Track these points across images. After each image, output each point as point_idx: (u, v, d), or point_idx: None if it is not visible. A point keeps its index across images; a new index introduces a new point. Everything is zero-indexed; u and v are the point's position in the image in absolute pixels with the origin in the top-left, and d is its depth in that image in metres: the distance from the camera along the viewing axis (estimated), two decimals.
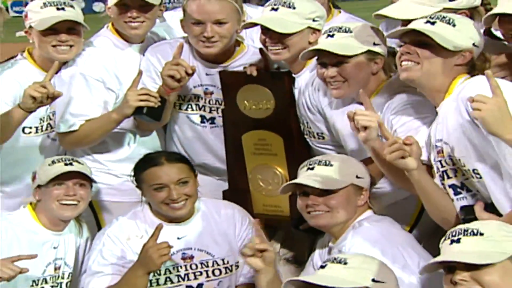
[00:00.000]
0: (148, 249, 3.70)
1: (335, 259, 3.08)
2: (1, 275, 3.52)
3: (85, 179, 3.97)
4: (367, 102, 3.43)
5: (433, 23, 3.17)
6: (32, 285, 3.91)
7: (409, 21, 3.43)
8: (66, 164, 3.93)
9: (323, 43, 3.61)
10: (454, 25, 3.17)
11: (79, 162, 4.05)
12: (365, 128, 3.27)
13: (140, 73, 4.16)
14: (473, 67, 3.21)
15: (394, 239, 3.51)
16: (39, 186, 3.95)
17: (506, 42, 3.56)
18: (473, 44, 3.17)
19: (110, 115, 4.14)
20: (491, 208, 3.10)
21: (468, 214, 3.14)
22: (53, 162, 3.98)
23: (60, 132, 4.23)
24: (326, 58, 3.59)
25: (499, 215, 3.07)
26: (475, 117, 2.86)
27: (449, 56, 3.15)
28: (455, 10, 3.50)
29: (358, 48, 3.54)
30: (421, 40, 3.16)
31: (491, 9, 3.60)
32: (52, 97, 3.83)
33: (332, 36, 3.57)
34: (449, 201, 3.30)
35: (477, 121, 2.89)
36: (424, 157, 3.36)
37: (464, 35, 3.18)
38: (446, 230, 3.17)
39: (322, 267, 3.11)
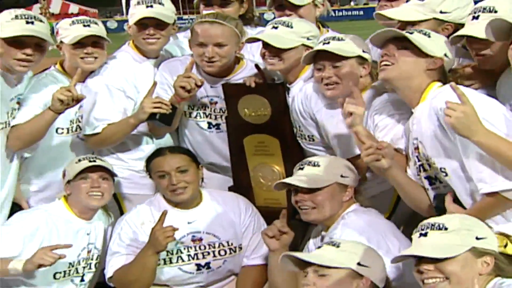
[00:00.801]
0: (155, 232, 3.95)
1: (331, 242, 3.36)
2: (43, 262, 3.71)
3: (107, 174, 4.22)
4: (357, 93, 3.57)
5: (411, 33, 3.41)
6: (69, 267, 4.10)
7: (405, 24, 3.75)
8: (90, 161, 4.18)
9: (322, 48, 3.82)
10: (429, 36, 3.41)
11: (102, 160, 4.31)
12: (351, 114, 3.49)
13: (154, 84, 4.38)
14: (445, 78, 3.42)
15: (379, 228, 3.71)
16: (68, 182, 4.18)
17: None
18: (444, 55, 3.41)
19: (128, 120, 4.38)
20: (459, 200, 3.30)
21: (439, 203, 3.33)
22: (79, 160, 4.23)
23: (86, 134, 4.48)
24: (324, 60, 3.80)
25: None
26: (447, 123, 3.05)
27: (421, 58, 3.33)
28: (443, 22, 3.80)
29: (351, 52, 3.80)
30: (399, 45, 3.36)
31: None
32: (76, 100, 4.07)
33: (328, 43, 3.81)
34: (421, 191, 3.52)
35: (448, 126, 3.07)
36: (401, 146, 3.59)
37: (436, 45, 3.42)
38: (420, 215, 3.39)
39: (319, 247, 3.36)
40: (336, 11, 45.98)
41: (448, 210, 3.28)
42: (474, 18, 3.51)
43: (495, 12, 3.42)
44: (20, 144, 4.29)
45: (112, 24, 38.85)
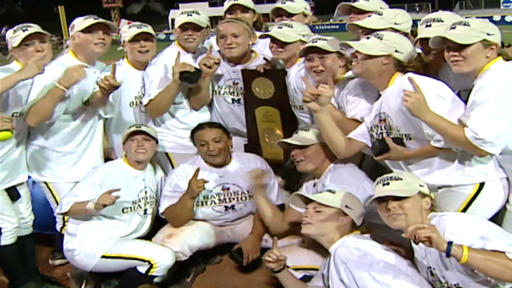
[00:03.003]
0: (191, 183, 4.36)
1: (329, 190, 3.82)
2: (105, 202, 4.08)
3: (149, 136, 4.51)
4: (330, 81, 3.92)
5: (368, 38, 3.73)
6: (133, 204, 4.50)
7: (371, 30, 4.01)
8: (136, 127, 4.53)
9: (312, 44, 4.19)
10: (381, 39, 3.69)
11: (146, 126, 4.61)
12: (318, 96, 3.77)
13: (178, 54, 4.69)
14: (403, 67, 3.69)
15: (357, 175, 4.14)
16: (123, 143, 4.54)
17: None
18: (395, 51, 3.66)
19: (169, 85, 4.67)
20: (398, 141, 3.68)
21: (381, 144, 3.70)
22: (129, 127, 4.58)
23: (145, 105, 4.83)
24: (313, 54, 4.18)
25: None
26: (404, 106, 3.38)
27: (375, 58, 3.68)
28: (397, 30, 4.18)
29: (333, 48, 4.15)
30: (357, 51, 3.71)
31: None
32: (114, 87, 4.41)
33: (316, 42, 4.16)
34: (341, 137, 3.92)
35: (405, 106, 3.37)
36: (360, 116, 4.01)
37: (387, 45, 3.68)
38: (381, 168, 3.89)
39: (320, 192, 3.85)
40: (319, 25, 52.39)
41: (393, 148, 3.66)
42: (427, 26, 3.86)
43: (442, 21, 3.81)
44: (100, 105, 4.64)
45: (162, 36, 42.90)
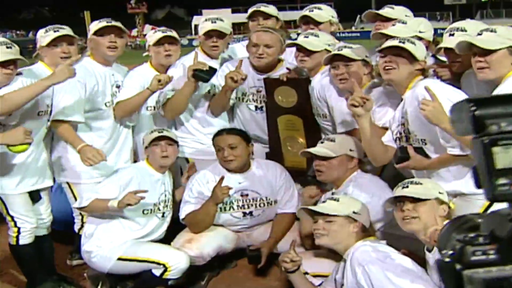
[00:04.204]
0: (216, 190, 4.34)
1: (332, 198, 3.81)
2: (129, 202, 4.09)
3: (171, 141, 4.53)
4: (357, 88, 3.83)
5: (403, 42, 3.68)
6: (153, 206, 4.50)
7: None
8: (159, 132, 4.53)
9: (337, 52, 4.19)
10: (415, 44, 3.68)
11: (168, 131, 4.63)
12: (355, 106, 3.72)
13: (196, 54, 4.74)
14: (424, 70, 3.74)
15: (380, 185, 4.13)
16: (146, 147, 4.55)
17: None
18: (425, 57, 3.71)
19: (184, 84, 4.67)
20: (419, 150, 3.66)
21: (402, 153, 3.67)
22: (152, 132, 4.57)
23: (162, 105, 4.80)
24: (339, 61, 4.18)
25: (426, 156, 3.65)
26: (422, 114, 3.38)
27: (414, 63, 3.67)
28: (421, 38, 4.19)
29: (358, 56, 4.14)
30: (397, 52, 3.65)
31: (438, 43, 4.17)
32: (168, 81, 4.54)
33: (341, 50, 4.17)
34: (380, 145, 3.84)
35: (423, 115, 3.37)
36: (387, 124, 3.99)
37: (421, 51, 3.69)
38: (400, 176, 3.81)
39: (323, 202, 3.76)
40: (340, 33, 52.49)
41: (413, 157, 3.62)
42: (450, 35, 3.91)
43: (465, 31, 3.85)
44: (122, 114, 4.69)
45: (184, 41, 42.50)
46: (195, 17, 64.25)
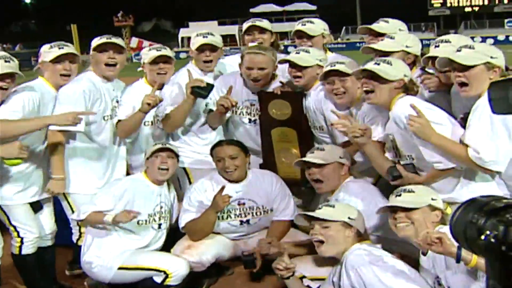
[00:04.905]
0: (216, 198, 4.44)
1: (327, 204, 3.90)
2: (121, 220, 4.28)
3: (173, 154, 4.59)
4: (339, 114, 4.09)
5: (378, 64, 3.83)
6: (148, 217, 4.55)
7: (384, 52, 4.21)
8: (162, 145, 4.62)
9: (333, 68, 4.34)
10: (391, 64, 3.83)
11: (170, 145, 4.70)
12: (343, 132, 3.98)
13: (189, 73, 4.76)
14: (407, 89, 3.85)
15: (370, 191, 4.25)
16: (147, 159, 4.60)
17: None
18: (404, 75, 3.82)
19: (183, 100, 4.76)
20: (409, 167, 3.84)
21: (394, 172, 3.87)
22: (155, 144, 4.67)
23: (161, 120, 4.90)
24: (334, 77, 4.32)
25: (415, 173, 3.83)
26: (409, 130, 3.56)
27: (390, 82, 3.80)
28: (407, 53, 4.45)
29: (351, 70, 4.23)
30: (373, 75, 3.81)
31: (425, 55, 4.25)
32: (159, 101, 4.60)
33: (334, 65, 4.33)
34: (386, 162, 3.99)
35: (411, 131, 3.56)
36: (381, 139, 4.10)
37: (397, 69, 3.82)
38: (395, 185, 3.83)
39: (319, 208, 3.82)
40: (327, 45, 54.13)
41: (405, 176, 3.80)
42: (436, 46, 4.08)
43: (449, 42, 4.05)
44: (124, 135, 4.83)
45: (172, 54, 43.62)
46: (181, 29, 64.28)
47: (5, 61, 4.08)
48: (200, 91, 4.64)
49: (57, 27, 67.19)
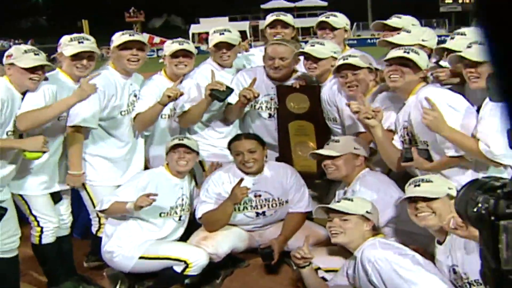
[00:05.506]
0: (235, 190, 4.51)
1: (346, 198, 4.00)
2: (142, 204, 4.27)
3: (190, 149, 4.64)
4: (361, 97, 4.14)
5: (408, 52, 3.92)
6: (170, 209, 4.65)
7: (399, 46, 4.20)
8: (179, 140, 4.66)
9: (345, 61, 4.39)
10: (418, 54, 3.93)
11: (188, 139, 4.72)
12: (357, 112, 4.06)
13: (213, 74, 4.83)
14: (425, 79, 4.01)
15: (385, 182, 4.32)
16: (167, 153, 4.67)
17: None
18: (427, 66, 3.98)
19: (200, 100, 4.84)
20: (423, 152, 3.89)
21: (407, 154, 3.92)
22: (173, 139, 4.72)
23: (178, 116, 4.99)
24: (347, 70, 4.38)
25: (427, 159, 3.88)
26: (423, 122, 3.64)
27: (418, 72, 3.91)
28: (423, 47, 4.46)
29: (364, 64, 4.39)
30: (402, 62, 3.89)
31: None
32: (180, 94, 4.67)
33: (347, 59, 4.39)
34: (393, 149, 4.07)
35: (424, 124, 3.64)
36: (392, 127, 4.21)
37: (424, 60, 3.94)
38: (408, 175, 3.97)
39: (338, 201, 3.92)
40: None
41: (416, 159, 3.87)
42: (451, 38, 4.25)
43: (465, 35, 4.15)
44: (142, 127, 4.88)
45: None
46: (192, 25, 64.26)
47: (35, 54, 4.14)
48: (218, 94, 4.70)
49: (68, 23, 67.38)
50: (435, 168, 3.85)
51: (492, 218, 1.29)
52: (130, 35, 4.69)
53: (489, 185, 1.36)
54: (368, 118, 3.96)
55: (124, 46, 4.64)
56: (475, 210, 1.32)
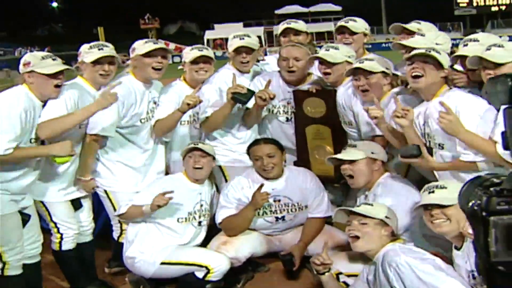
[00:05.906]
0: (255, 195, 4.54)
1: (365, 202, 4.01)
2: (158, 203, 4.33)
3: (206, 153, 4.66)
4: (377, 102, 4.17)
5: (430, 51, 3.92)
6: (188, 215, 4.66)
7: (413, 49, 4.18)
8: (194, 144, 4.70)
9: (359, 65, 4.41)
10: (440, 53, 3.93)
11: (203, 143, 4.77)
12: (376, 117, 4.14)
13: (234, 77, 4.84)
14: (447, 82, 3.97)
15: (408, 187, 4.29)
16: (183, 159, 4.70)
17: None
18: (449, 66, 3.93)
19: (223, 105, 4.83)
20: (429, 150, 3.93)
21: (414, 150, 3.92)
22: (189, 144, 4.75)
23: (201, 122, 5.01)
24: (360, 74, 4.39)
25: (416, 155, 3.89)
26: (440, 126, 3.70)
27: (440, 70, 3.89)
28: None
29: (377, 69, 4.37)
30: (425, 60, 3.88)
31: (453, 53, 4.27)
32: (199, 102, 4.70)
33: (362, 62, 4.40)
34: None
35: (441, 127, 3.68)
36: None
37: (446, 59, 3.93)
38: (425, 179, 4.00)
39: (358, 206, 3.93)
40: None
41: (425, 156, 3.90)
42: (464, 45, 4.12)
43: (478, 41, 4.08)
44: (161, 133, 4.91)
45: None
46: (207, 31, 64.55)
47: (53, 59, 4.15)
48: (240, 97, 4.71)
49: (83, 30, 67.93)
50: (440, 169, 3.90)
51: (484, 214, 1.38)
52: (154, 43, 4.74)
53: (489, 182, 1.44)
54: (398, 117, 3.95)
55: (149, 54, 4.66)
56: (469, 205, 1.42)
